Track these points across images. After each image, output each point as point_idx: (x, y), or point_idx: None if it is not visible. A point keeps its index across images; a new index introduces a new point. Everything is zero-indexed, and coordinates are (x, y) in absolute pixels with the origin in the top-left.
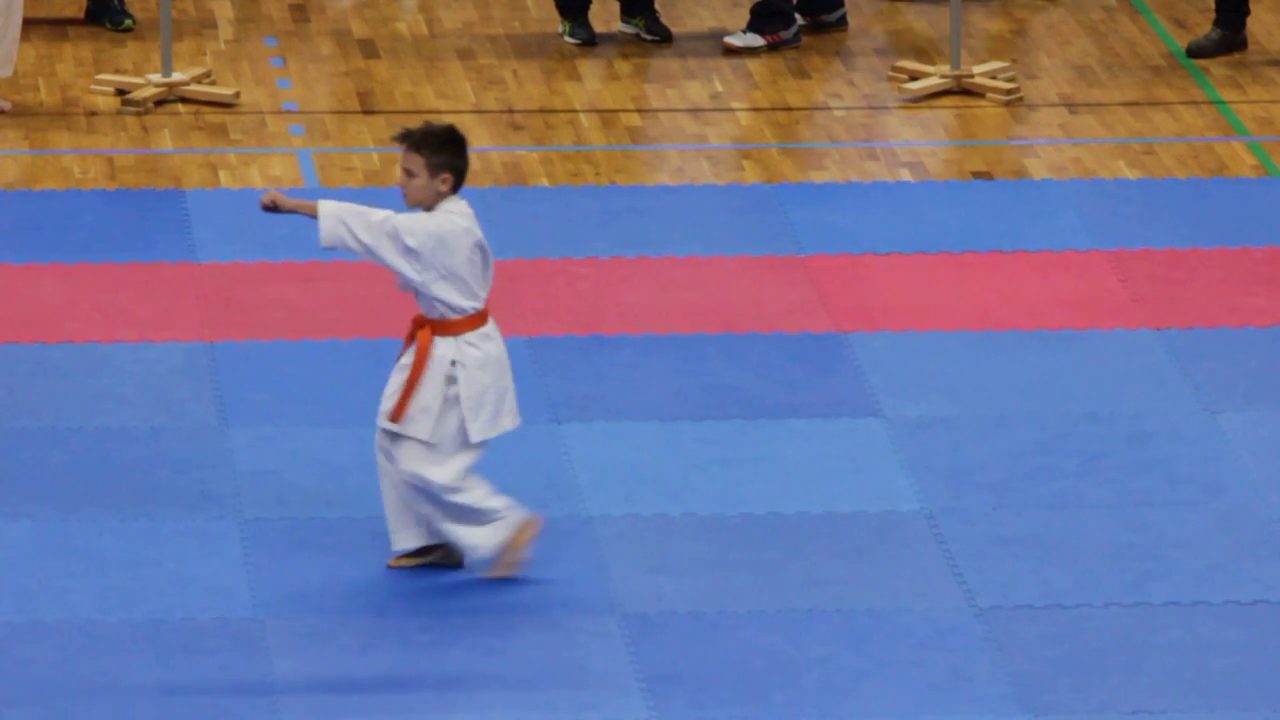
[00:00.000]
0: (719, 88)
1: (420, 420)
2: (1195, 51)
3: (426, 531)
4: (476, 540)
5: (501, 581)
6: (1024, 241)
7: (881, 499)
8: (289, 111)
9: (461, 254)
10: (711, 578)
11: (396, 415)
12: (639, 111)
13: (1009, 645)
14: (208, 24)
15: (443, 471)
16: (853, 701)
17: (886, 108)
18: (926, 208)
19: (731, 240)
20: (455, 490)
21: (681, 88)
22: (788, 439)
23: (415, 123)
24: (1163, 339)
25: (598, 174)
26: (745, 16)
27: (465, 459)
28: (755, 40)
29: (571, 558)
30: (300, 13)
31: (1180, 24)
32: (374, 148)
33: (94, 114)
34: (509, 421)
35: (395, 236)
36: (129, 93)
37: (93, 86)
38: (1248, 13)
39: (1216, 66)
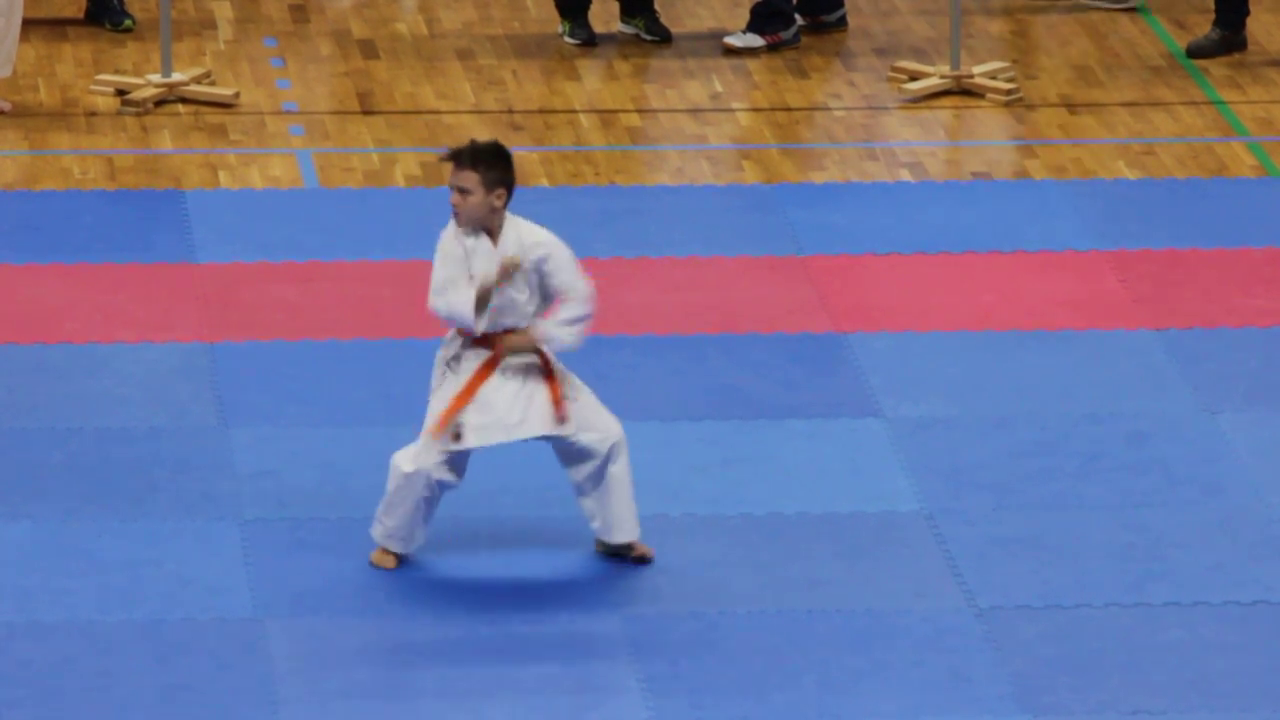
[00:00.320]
0: (719, 88)
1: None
2: (1195, 52)
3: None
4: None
5: (502, 583)
6: (1024, 242)
7: (881, 499)
8: (289, 112)
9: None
10: (711, 578)
11: (566, 416)
12: (639, 112)
13: (1008, 645)
14: (207, 24)
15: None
16: (853, 701)
17: (886, 108)
18: (926, 208)
19: (731, 240)
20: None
21: (681, 88)
22: (787, 439)
23: (415, 123)
24: (1162, 339)
25: (597, 174)
26: (745, 16)
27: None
28: (755, 40)
29: (572, 558)
30: (300, 13)
31: (1180, 24)
32: (374, 148)
33: (94, 114)
34: None
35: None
36: (129, 93)
37: (92, 87)
38: (1248, 13)
39: (1216, 67)
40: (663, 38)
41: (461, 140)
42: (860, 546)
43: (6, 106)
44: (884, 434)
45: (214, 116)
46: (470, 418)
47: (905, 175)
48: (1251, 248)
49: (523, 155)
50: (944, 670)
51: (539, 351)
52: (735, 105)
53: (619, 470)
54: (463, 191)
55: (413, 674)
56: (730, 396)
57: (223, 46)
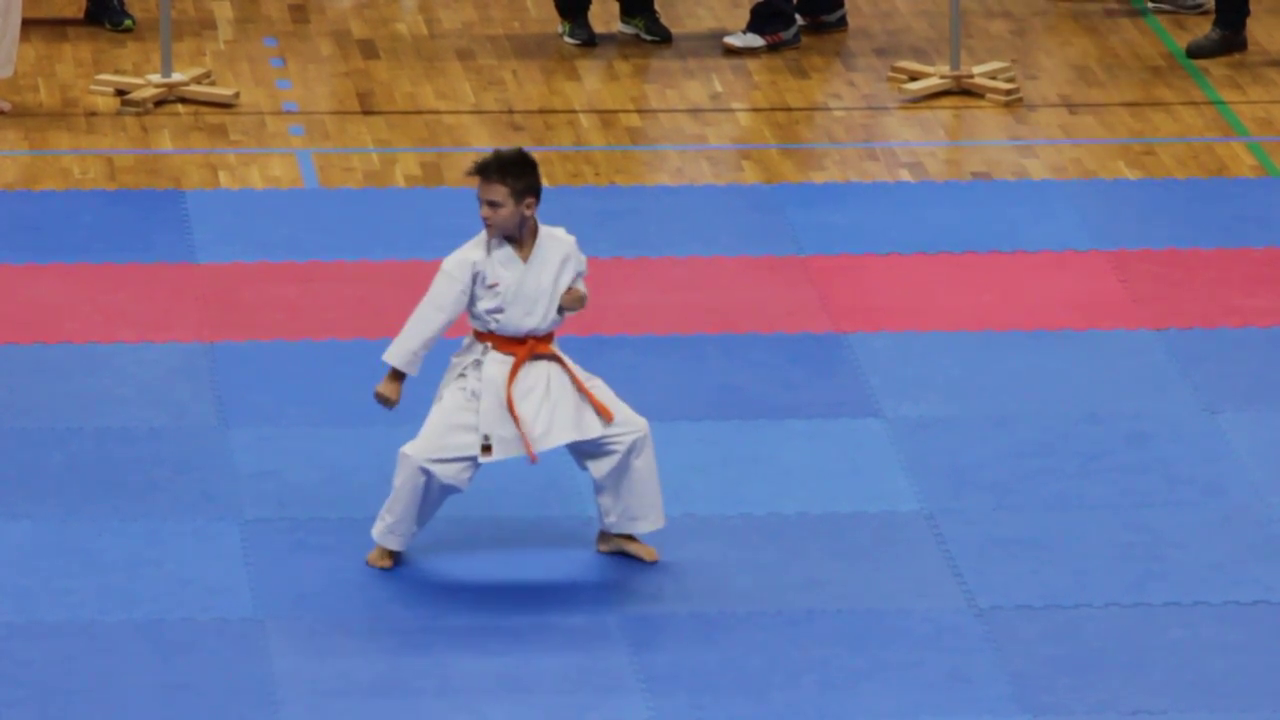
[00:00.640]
0: (719, 88)
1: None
2: (1195, 52)
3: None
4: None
5: (502, 583)
6: (1024, 241)
7: (881, 499)
8: (289, 112)
9: None
10: (711, 578)
11: (610, 415)
12: (639, 112)
13: (1008, 645)
14: (207, 24)
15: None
16: (853, 701)
17: (886, 108)
18: (926, 208)
19: (731, 240)
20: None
21: (681, 88)
22: (787, 439)
23: (415, 123)
24: (1162, 339)
25: (597, 174)
26: (745, 17)
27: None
28: (755, 40)
29: (572, 557)
30: (300, 13)
31: (1180, 24)
32: (374, 148)
33: (94, 114)
34: None
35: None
36: (129, 93)
37: (92, 87)
38: (1248, 13)
39: (1216, 67)
40: (663, 38)
41: (461, 140)
42: (860, 546)
43: (6, 106)
44: (884, 434)
45: (214, 116)
46: (496, 429)
47: (905, 175)
48: (1251, 248)
49: None
50: (944, 670)
51: (558, 357)
52: (735, 105)
53: (643, 463)
54: (493, 205)
55: (413, 674)
56: (730, 396)
57: (223, 46)
